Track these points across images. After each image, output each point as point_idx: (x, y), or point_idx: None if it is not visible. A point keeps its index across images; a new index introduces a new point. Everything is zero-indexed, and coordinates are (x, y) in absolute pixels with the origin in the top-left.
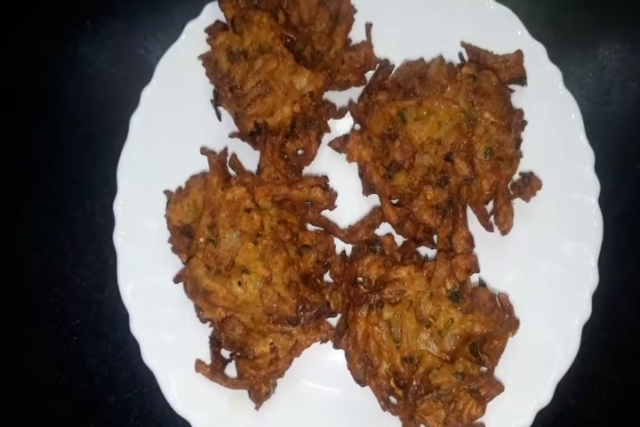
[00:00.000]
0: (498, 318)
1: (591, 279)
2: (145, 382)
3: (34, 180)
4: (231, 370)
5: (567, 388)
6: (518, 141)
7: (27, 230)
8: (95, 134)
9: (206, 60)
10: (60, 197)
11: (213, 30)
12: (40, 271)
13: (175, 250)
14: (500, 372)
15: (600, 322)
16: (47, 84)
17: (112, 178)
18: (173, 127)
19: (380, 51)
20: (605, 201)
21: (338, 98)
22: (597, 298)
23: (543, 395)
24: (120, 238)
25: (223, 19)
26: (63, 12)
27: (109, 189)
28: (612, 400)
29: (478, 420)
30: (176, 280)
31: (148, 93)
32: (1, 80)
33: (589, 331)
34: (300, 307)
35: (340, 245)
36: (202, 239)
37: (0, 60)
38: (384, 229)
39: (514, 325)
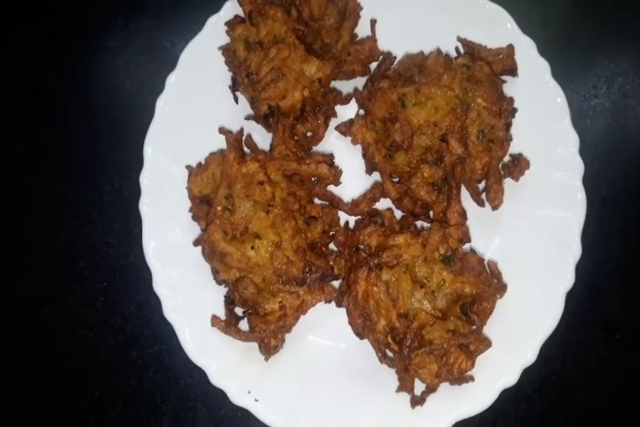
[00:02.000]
0: (485, 280)
1: (575, 251)
2: (164, 339)
3: (68, 158)
4: (243, 327)
5: (554, 353)
6: (508, 125)
7: (61, 203)
8: (122, 118)
9: (225, 50)
10: (91, 174)
11: (232, 23)
12: (72, 239)
13: (195, 218)
14: (490, 332)
15: (585, 294)
16: (81, 73)
17: (137, 157)
18: (195, 110)
19: (384, 44)
20: (592, 185)
21: (344, 86)
22: (584, 272)
23: (529, 354)
24: (145, 207)
25: (241, 13)
26: (98, 9)
27: (135, 166)
28: (596, 366)
29: (468, 373)
30: (195, 244)
31: (172, 80)
32: (39, 69)
33: (574, 301)
34: (307, 269)
35: (344, 218)
36: (219, 208)
37: (38, 51)
38: (385, 204)
39: (501, 288)
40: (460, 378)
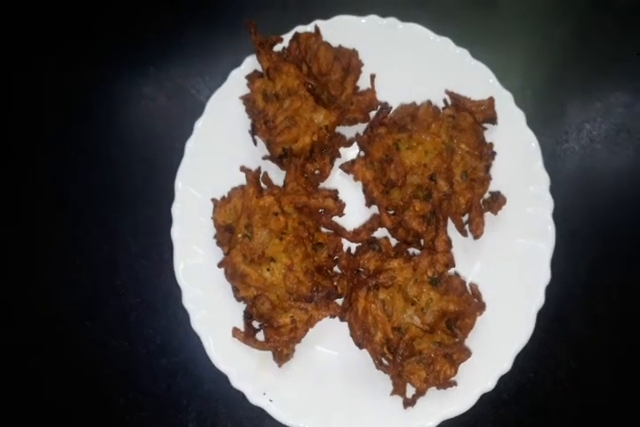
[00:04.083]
0: (467, 299)
1: (545, 276)
2: (190, 349)
3: (108, 190)
4: (260, 338)
5: (528, 365)
6: (488, 167)
7: (101, 229)
8: (154, 156)
9: (246, 100)
10: (127, 204)
11: (252, 77)
12: (111, 260)
13: (219, 243)
14: (472, 344)
15: (555, 314)
16: (118, 116)
17: (167, 190)
18: (219, 150)
19: (381, 96)
20: (562, 218)
21: (347, 131)
22: (554, 296)
23: (505, 364)
24: (176, 233)
25: (260, 68)
26: (134, 59)
27: (165, 198)
28: (565, 375)
29: (452, 379)
30: (219, 266)
31: (200, 124)
32: (80, 113)
33: (546, 320)
34: (315, 289)
35: (347, 244)
36: (240, 235)
37: (79, 97)
38: (382, 233)
39: (481, 307)
40: (445, 383)
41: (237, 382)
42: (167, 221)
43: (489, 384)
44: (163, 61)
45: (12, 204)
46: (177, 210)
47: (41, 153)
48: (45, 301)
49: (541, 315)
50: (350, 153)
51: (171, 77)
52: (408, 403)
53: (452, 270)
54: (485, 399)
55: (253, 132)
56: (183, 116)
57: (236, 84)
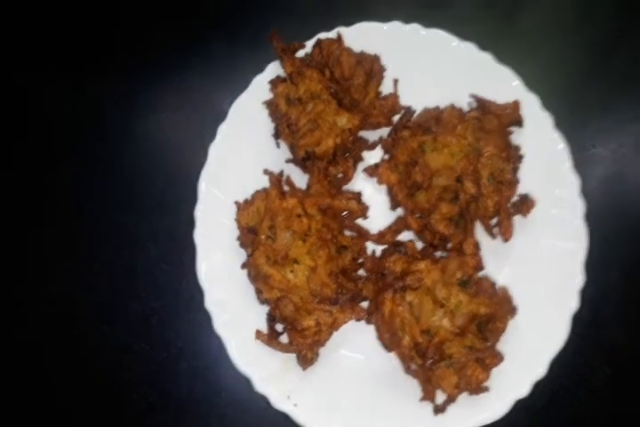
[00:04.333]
0: (498, 302)
1: (578, 278)
2: (210, 353)
3: (127, 196)
4: (283, 340)
5: (562, 371)
6: (515, 169)
7: (121, 234)
8: (177, 161)
9: (269, 104)
10: (147, 210)
11: (275, 82)
12: (131, 265)
13: (242, 245)
14: (504, 348)
15: (591, 320)
16: (144, 124)
17: (186, 196)
18: (242, 154)
19: (405, 100)
20: (593, 223)
21: (371, 135)
22: (590, 301)
23: (539, 369)
24: (199, 236)
25: (282, 74)
26: (159, 71)
27: (184, 204)
28: (600, 383)
29: (484, 384)
30: (242, 267)
31: (223, 128)
32: (109, 124)
33: (582, 326)
34: (339, 291)
35: (370, 248)
36: (263, 237)
37: (109, 110)
38: (407, 236)
39: (512, 310)
40: (477, 389)
41: (261, 386)
42: (186, 227)
43: (523, 391)
44: (186, 72)
45: (31, 210)
46: (200, 212)
47: (61, 160)
48: (65, 305)
49: (577, 320)
50: (372, 157)
51: (194, 87)
52: (438, 409)
53: (480, 274)
54: (519, 407)
55: (276, 135)
56: (204, 123)
57: (259, 89)
